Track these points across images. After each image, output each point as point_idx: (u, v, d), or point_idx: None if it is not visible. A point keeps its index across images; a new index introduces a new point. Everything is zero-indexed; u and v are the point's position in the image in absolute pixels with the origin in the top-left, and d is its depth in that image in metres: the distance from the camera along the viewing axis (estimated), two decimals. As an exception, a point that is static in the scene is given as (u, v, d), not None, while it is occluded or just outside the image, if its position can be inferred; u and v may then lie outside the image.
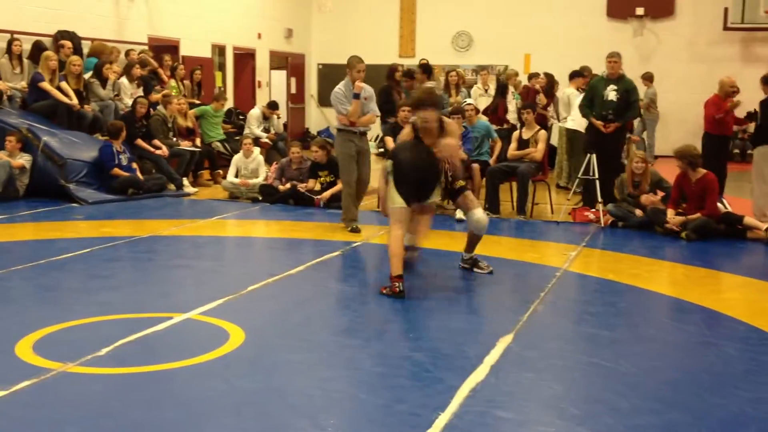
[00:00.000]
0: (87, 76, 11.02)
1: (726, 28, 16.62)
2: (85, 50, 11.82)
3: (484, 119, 10.79)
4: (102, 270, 6.35)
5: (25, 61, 10.72)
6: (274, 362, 4.31)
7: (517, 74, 13.44)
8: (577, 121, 10.94)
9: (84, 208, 9.27)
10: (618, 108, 9.05)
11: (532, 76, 13.05)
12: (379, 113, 8.89)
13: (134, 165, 10.27)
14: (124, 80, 11.53)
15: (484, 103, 12.28)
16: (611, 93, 9.10)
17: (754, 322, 5.21)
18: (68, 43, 11.05)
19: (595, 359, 4.41)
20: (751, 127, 12.63)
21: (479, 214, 6.18)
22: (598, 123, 9.05)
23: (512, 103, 12.10)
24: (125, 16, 13.06)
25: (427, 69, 10.63)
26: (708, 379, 4.21)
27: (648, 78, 15.45)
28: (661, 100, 15.96)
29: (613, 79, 9.21)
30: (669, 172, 9.05)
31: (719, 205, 8.27)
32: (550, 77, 12.84)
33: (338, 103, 8.21)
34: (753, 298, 6.04)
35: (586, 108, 9.39)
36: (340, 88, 8.26)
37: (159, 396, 3.81)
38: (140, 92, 11.44)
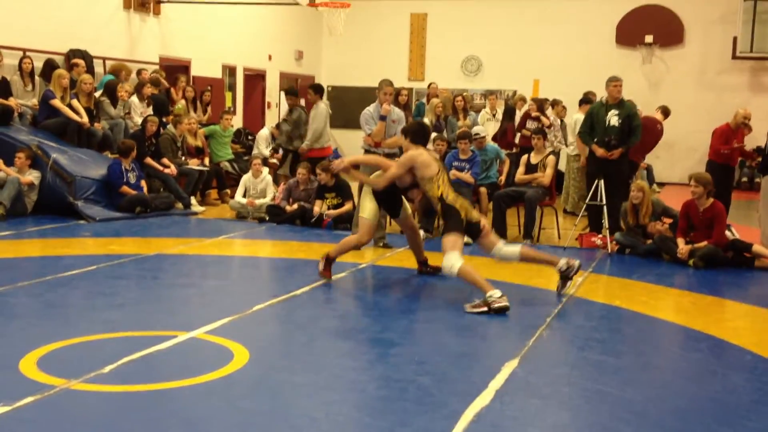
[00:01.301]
0: (98, 94, 11.10)
1: (735, 57, 16.68)
2: (97, 69, 11.92)
3: (492, 143, 10.81)
4: (107, 287, 6.36)
5: (37, 78, 10.80)
6: (278, 383, 4.30)
7: (524, 100, 13.47)
8: (574, 146, 11.02)
9: (91, 225, 9.29)
10: (621, 133, 8.98)
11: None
12: None
13: (142, 183, 10.31)
14: (134, 99, 11.61)
15: (491, 127, 12.32)
16: (613, 118, 8.99)
17: (760, 352, 5.17)
18: (82, 62, 11.14)
19: (601, 386, 4.38)
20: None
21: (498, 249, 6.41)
22: (601, 151, 8.93)
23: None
24: (137, 35, 13.18)
25: (318, 89, 10.84)
26: (714, 408, 4.17)
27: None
28: (669, 128, 15.94)
29: (614, 104, 9.12)
30: (675, 201, 9.03)
31: (728, 232, 8.24)
32: (539, 102, 12.77)
33: (364, 123, 8.40)
34: (760, 327, 6.00)
35: (585, 135, 9.17)
36: (369, 108, 8.48)
37: (162, 415, 3.79)
38: (150, 111, 11.50)
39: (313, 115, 10.62)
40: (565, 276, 6.45)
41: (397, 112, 8.50)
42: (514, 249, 6.41)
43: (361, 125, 8.40)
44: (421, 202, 6.69)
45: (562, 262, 6.41)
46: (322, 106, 10.62)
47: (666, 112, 12.02)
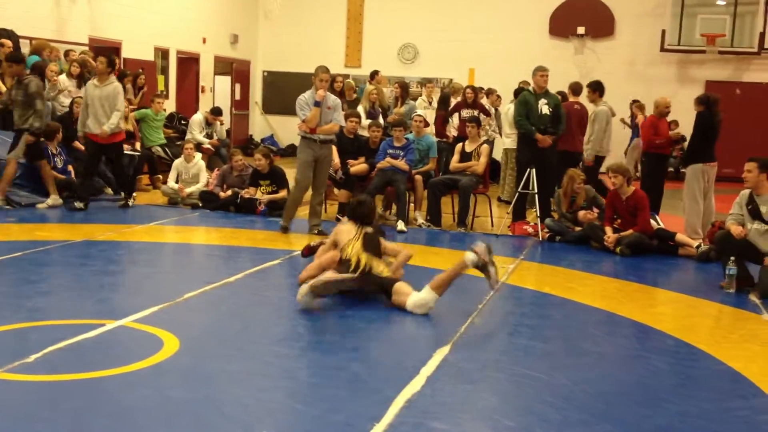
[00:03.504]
0: (24, 75, 10.73)
1: (663, 50, 17.10)
2: (24, 49, 11.52)
3: (432, 135, 10.80)
4: (33, 275, 6.20)
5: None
6: (209, 371, 4.26)
7: (462, 88, 13.51)
8: (513, 139, 11.09)
9: (17, 210, 9.03)
10: (553, 121, 9.15)
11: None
12: (344, 123, 8.95)
13: (70, 167, 10.06)
14: (63, 78, 11.25)
15: (428, 115, 12.34)
16: (544, 107, 9.17)
17: (683, 337, 5.35)
18: (8, 42, 10.76)
19: (530, 371, 4.47)
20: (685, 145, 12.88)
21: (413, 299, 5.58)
22: (543, 137, 9.05)
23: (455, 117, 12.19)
24: (66, 16, 12.80)
25: (113, 63, 9.65)
26: (638, 391, 4.31)
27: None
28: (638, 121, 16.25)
29: (541, 93, 9.28)
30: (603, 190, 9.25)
31: (652, 222, 8.49)
32: (476, 90, 12.78)
33: (299, 109, 8.32)
34: (683, 313, 6.20)
35: (526, 122, 9.17)
36: (304, 95, 8.40)
37: (89, 404, 3.72)
38: (81, 93, 11.18)
39: (115, 94, 9.37)
40: (483, 267, 5.62)
41: (333, 99, 8.50)
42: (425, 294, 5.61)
43: (297, 112, 8.35)
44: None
45: (470, 258, 5.56)
46: (119, 85, 9.67)
47: (573, 89, 11.08)
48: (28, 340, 4.56)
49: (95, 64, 10.09)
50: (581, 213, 8.68)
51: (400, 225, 9.02)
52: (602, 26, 17.49)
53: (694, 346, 5.17)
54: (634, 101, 15.49)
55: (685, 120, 12.68)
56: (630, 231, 8.14)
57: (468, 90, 12.11)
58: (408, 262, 6.24)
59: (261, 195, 9.65)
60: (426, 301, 5.53)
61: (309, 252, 6.88)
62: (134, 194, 9.97)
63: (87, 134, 9.42)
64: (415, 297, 5.55)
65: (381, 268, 5.84)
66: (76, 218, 8.78)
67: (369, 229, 6.12)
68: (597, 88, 10.57)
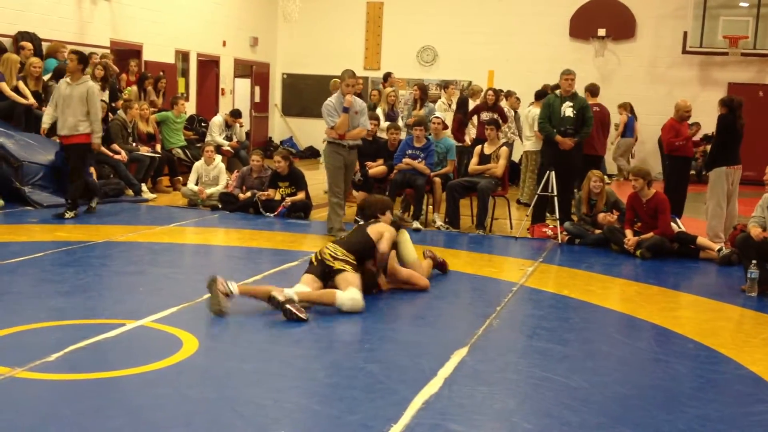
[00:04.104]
0: (46, 78, 10.86)
1: (685, 52, 16.96)
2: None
3: (450, 137, 10.78)
4: (54, 275, 6.26)
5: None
6: (227, 371, 4.28)
7: (481, 90, 13.50)
8: (533, 141, 11.06)
9: (38, 211, 9.11)
10: (576, 124, 9.09)
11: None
12: (369, 127, 8.91)
13: (91, 169, 10.12)
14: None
15: (448, 118, 12.34)
16: (568, 110, 9.12)
17: (703, 341, 5.30)
18: (29, 45, 10.89)
19: (548, 374, 4.45)
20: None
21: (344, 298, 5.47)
22: (565, 140, 9.01)
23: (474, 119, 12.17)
24: (88, 18, 12.92)
25: (85, 60, 9.01)
26: (657, 395, 4.27)
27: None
28: (619, 121, 16.20)
29: (567, 96, 9.23)
30: (624, 192, 9.19)
31: (673, 225, 8.42)
32: (497, 93, 12.77)
33: (327, 115, 8.17)
34: (703, 317, 6.14)
35: (547, 125, 9.19)
36: (331, 100, 8.24)
37: (107, 403, 3.76)
38: (105, 95, 11.28)
39: (90, 95, 8.67)
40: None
41: (360, 103, 8.40)
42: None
43: (324, 117, 8.25)
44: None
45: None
46: (94, 85, 9.03)
47: (591, 91, 11.11)
48: (49, 339, 4.60)
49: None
50: (601, 215, 8.62)
51: (416, 224, 9.03)
52: (623, 28, 17.38)
53: (715, 349, 5.13)
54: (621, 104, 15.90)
55: (707, 123, 12.57)
56: (650, 234, 8.08)
57: (489, 92, 12.06)
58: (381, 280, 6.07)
59: (279, 197, 9.67)
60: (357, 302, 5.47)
61: None
62: (74, 211, 8.73)
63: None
64: (346, 300, 5.43)
65: (327, 256, 5.64)
66: (96, 219, 8.84)
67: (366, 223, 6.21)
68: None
